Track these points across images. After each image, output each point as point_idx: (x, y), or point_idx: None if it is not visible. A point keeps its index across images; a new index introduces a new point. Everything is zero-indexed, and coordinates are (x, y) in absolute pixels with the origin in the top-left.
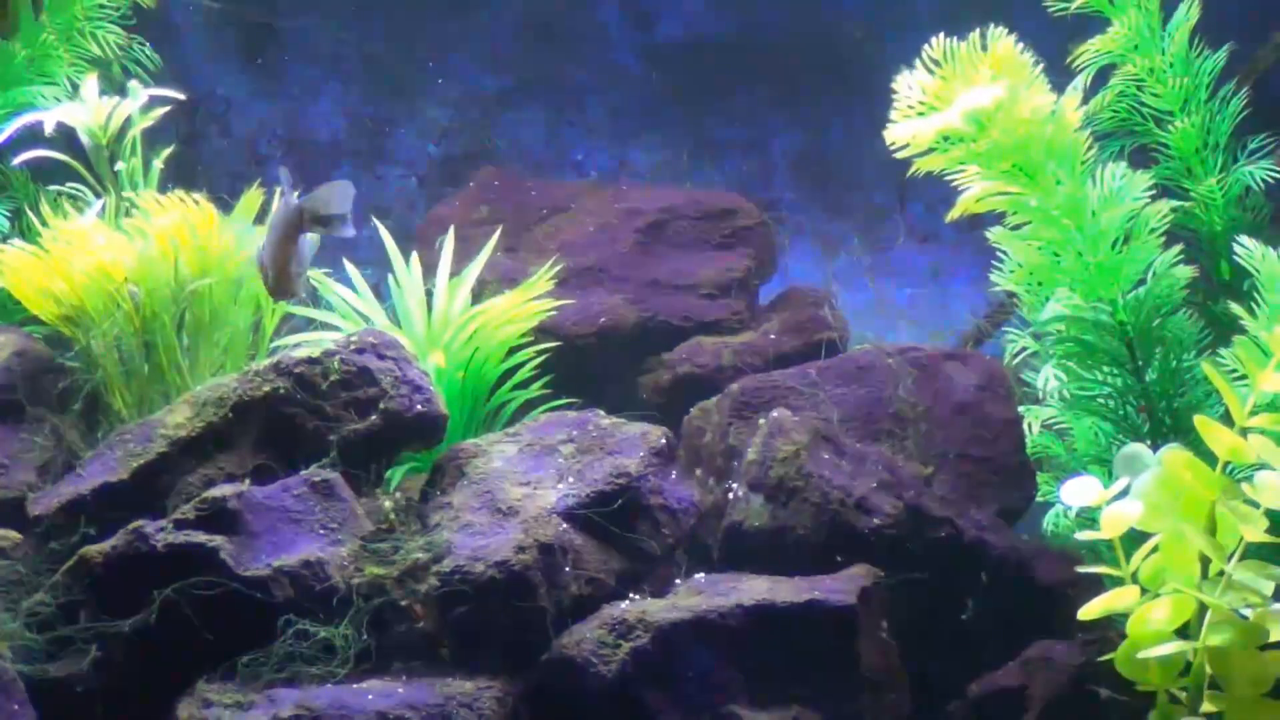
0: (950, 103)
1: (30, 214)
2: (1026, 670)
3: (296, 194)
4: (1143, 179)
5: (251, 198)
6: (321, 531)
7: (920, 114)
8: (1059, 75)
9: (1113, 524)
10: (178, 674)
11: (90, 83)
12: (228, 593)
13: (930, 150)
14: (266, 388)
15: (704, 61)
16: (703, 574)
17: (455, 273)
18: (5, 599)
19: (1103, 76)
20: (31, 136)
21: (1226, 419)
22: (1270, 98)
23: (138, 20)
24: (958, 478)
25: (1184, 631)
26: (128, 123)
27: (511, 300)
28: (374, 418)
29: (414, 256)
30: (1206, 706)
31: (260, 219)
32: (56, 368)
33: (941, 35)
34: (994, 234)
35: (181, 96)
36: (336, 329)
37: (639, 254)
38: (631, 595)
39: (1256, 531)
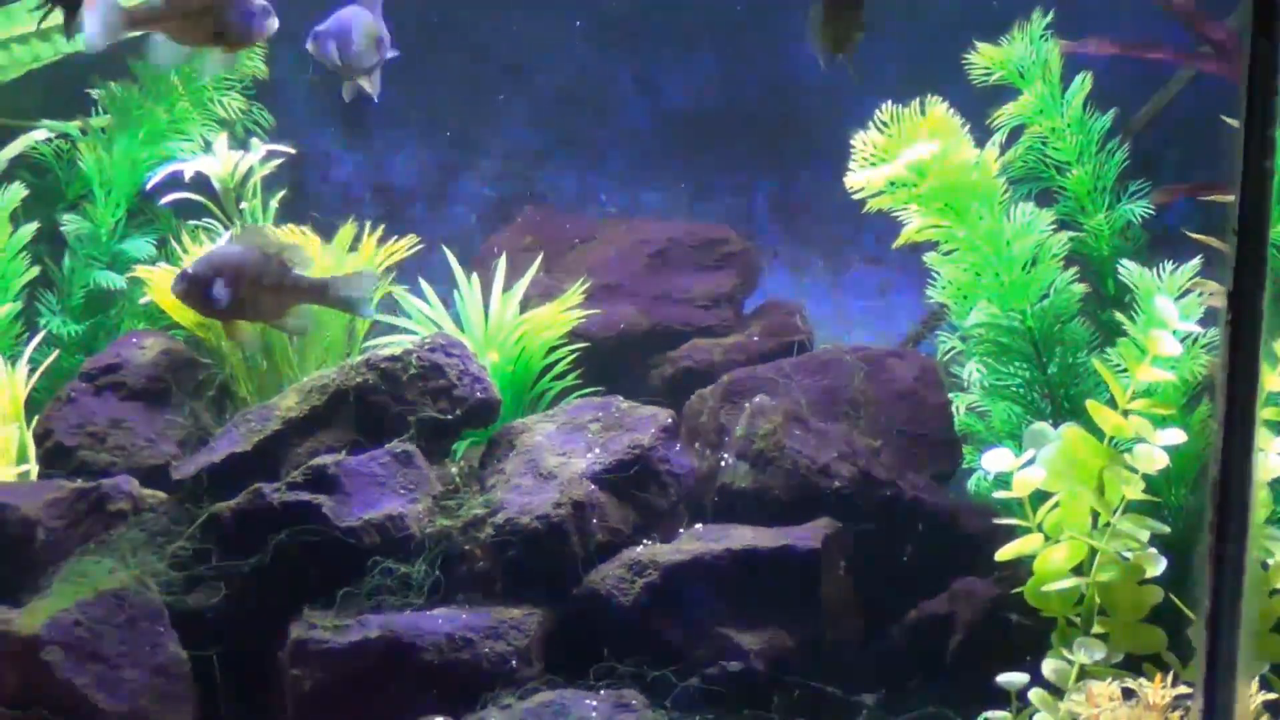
0: (896, 156)
1: (173, 243)
2: (953, 600)
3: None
4: (1046, 215)
5: (346, 231)
6: (401, 492)
7: (873, 164)
8: (981, 132)
9: (1022, 485)
10: (288, 604)
11: (221, 140)
12: (328, 539)
13: (880, 193)
14: (359, 379)
15: (701, 123)
16: (700, 525)
17: (507, 288)
18: (153, 545)
19: (1015, 134)
20: (174, 182)
21: (1112, 403)
22: (1145, 151)
23: (257, 89)
24: (899, 450)
25: (1079, 570)
26: (250, 171)
27: (550, 310)
28: (443, 402)
29: (474, 276)
30: (1096, 629)
31: (353, 248)
32: (194, 363)
33: (889, 102)
34: (930, 258)
35: (292, 150)
36: (414, 333)
37: (649, 274)
38: (644, 541)
39: (1135, 491)
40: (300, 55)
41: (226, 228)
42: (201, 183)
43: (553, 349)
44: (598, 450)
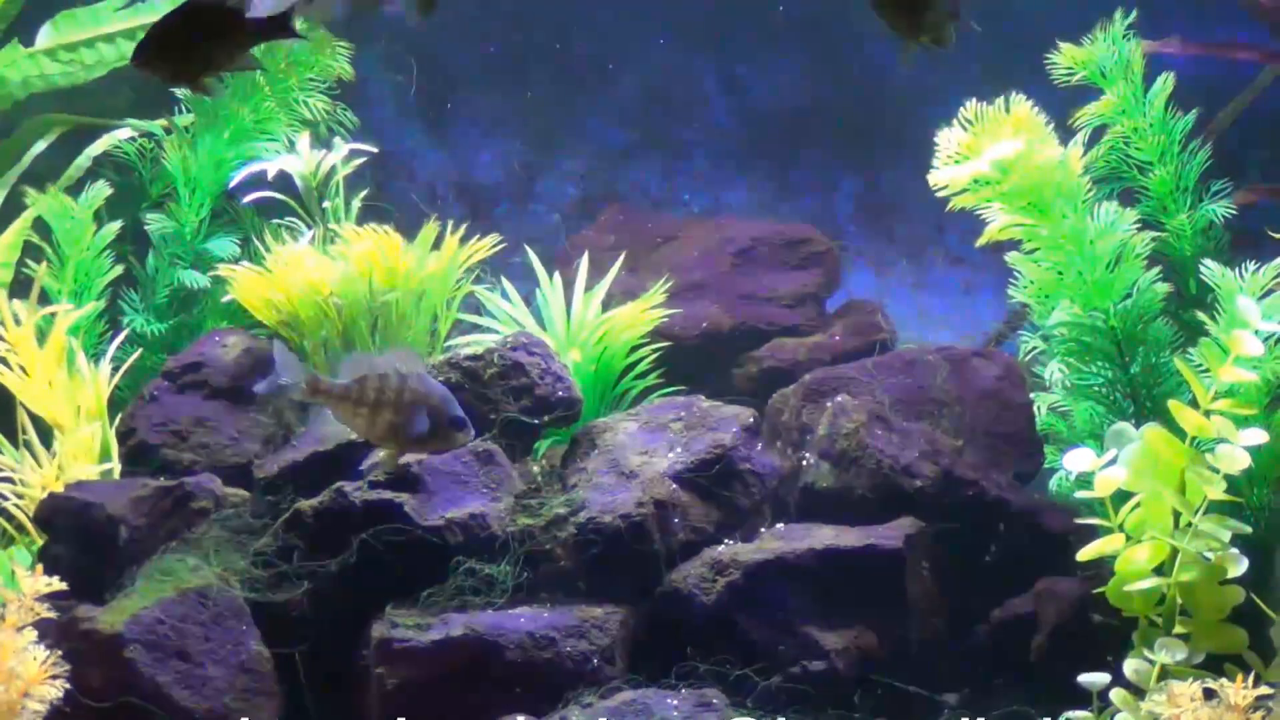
0: (980, 154)
1: (256, 242)
2: (1037, 600)
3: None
4: (1129, 215)
5: (429, 230)
6: (484, 490)
7: (956, 162)
8: (1063, 132)
9: (1104, 485)
10: (371, 602)
11: (304, 139)
12: (411, 538)
13: (964, 190)
14: (441, 377)
15: (785, 122)
16: (782, 524)
17: (589, 287)
18: (236, 543)
19: (1098, 134)
20: (257, 181)
21: (1194, 404)
22: (1227, 152)
23: (341, 90)
24: (982, 449)
25: (1160, 570)
26: (332, 170)
27: (633, 309)
28: (525, 401)
29: (556, 275)
30: (1178, 629)
31: (436, 247)
32: None
33: (974, 100)
34: (1012, 257)
35: (374, 150)
36: (496, 332)
37: (733, 273)
38: (726, 540)
39: (1217, 491)
40: (384, 56)
41: (309, 227)
42: (284, 182)
43: (635, 348)
44: (680, 449)
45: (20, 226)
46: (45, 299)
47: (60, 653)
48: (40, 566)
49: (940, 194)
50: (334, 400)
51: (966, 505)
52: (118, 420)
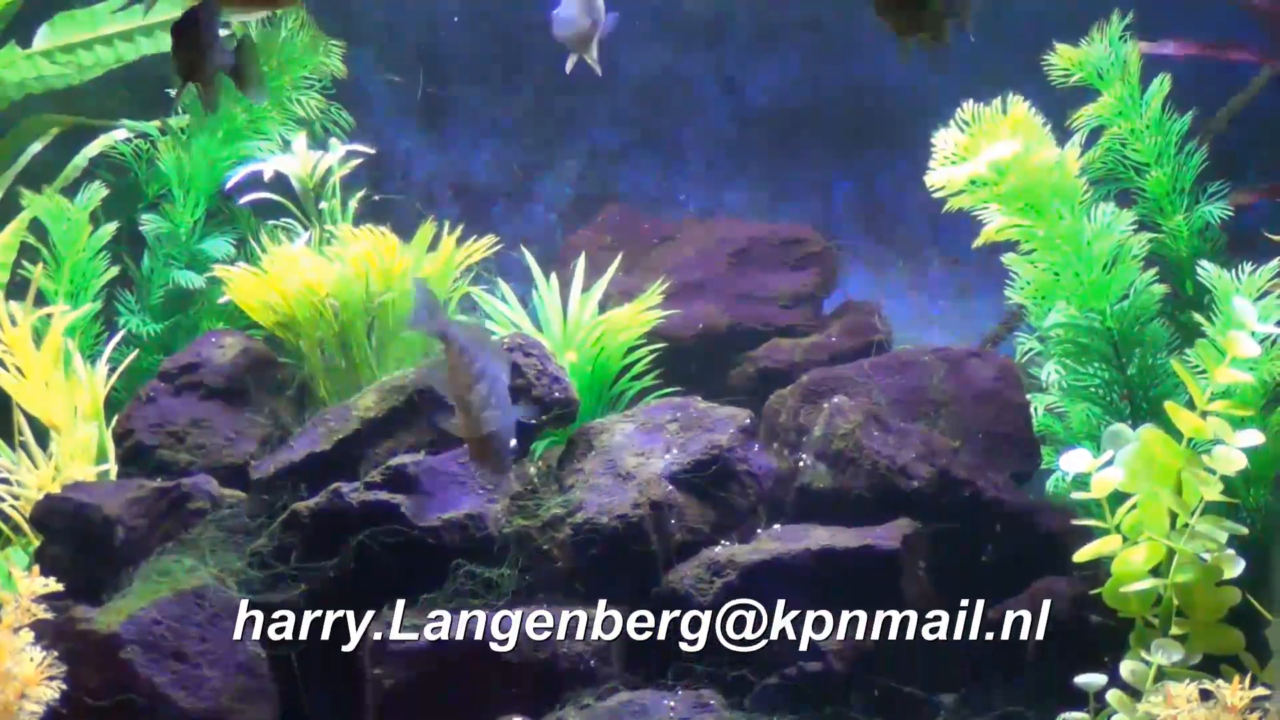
0: (977, 155)
1: (252, 243)
2: (1033, 601)
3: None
4: (1126, 216)
5: (425, 231)
6: (480, 491)
7: (953, 163)
8: (1060, 133)
9: (1101, 486)
10: (368, 603)
11: (300, 139)
12: (407, 539)
13: (960, 192)
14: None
15: (781, 123)
16: (779, 525)
17: (585, 288)
18: (233, 543)
19: (1095, 135)
20: (252, 182)
21: (1191, 405)
22: (1224, 153)
23: (336, 90)
24: (979, 450)
25: (1157, 571)
26: (329, 171)
27: (629, 310)
28: (521, 402)
29: (553, 276)
30: (1174, 630)
31: (432, 249)
32: (274, 363)
33: (971, 101)
34: (1009, 258)
35: (371, 150)
36: (492, 333)
37: (730, 274)
38: (723, 542)
39: (1213, 492)
40: (379, 55)
41: (305, 227)
42: (281, 182)
43: (632, 349)
44: (676, 450)
45: (16, 227)
46: (41, 300)
47: (57, 653)
48: (37, 567)
49: (937, 195)
50: (454, 349)
51: (963, 506)
52: (114, 421)
